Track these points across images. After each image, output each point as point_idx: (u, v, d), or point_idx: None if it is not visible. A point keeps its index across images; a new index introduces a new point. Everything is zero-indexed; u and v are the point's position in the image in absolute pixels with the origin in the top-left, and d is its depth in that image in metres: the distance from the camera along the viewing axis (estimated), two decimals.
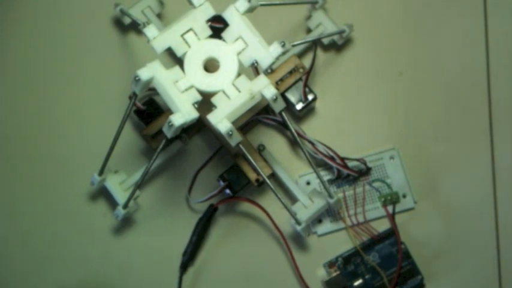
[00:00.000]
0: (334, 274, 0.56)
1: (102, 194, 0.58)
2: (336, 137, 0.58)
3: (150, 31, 0.47)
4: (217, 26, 0.49)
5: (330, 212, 0.57)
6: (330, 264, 0.56)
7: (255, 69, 0.50)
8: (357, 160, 0.56)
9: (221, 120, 0.46)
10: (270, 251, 0.57)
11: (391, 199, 0.57)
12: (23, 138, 0.60)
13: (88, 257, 0.58)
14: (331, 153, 0.56)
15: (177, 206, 0.58)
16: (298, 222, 0.53)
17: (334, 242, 0.57)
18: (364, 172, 0.57)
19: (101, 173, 0.55)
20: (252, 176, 0.55)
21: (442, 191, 0.58)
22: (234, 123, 0.48)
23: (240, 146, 0.48)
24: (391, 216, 0.56)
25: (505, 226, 0.57)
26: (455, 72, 0.61)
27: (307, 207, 0.55)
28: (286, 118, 0.48)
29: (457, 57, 0.61)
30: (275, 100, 0.46)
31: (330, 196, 0.53)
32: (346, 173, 0.56)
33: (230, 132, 0.46)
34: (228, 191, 0.56)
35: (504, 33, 0.62)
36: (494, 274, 0.57)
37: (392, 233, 0.56)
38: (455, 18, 0.62)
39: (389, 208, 0.56)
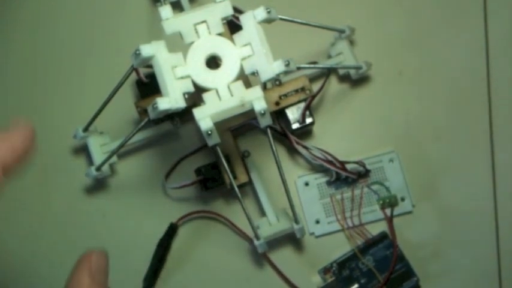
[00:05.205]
0: (330, 280, 0.56)
1: (84, 151, 0.58)
2: (335, 140, 0.58)
3: (165, 11, 0.47)
4: (238, 23, 0.49)
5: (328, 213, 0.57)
6: (325, 271, 0.56)
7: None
8: (356, 162, 0.56)
9: (204, 117, 0.45)
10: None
11: (390, 202, 0.56)
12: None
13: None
14: (330, 158, 0.56)
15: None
16: (257, 237, 0.53)
17: (330, 245, 0.57)
18: (362, 174, 0.57)
19: (85, 129, 0.55)
20: (228, 178, 0.55)
21: (442, 194, 0.58)
22: (225, 123, 0.48)
23: (217, 148, 0.48)
24: (389, 219, 0.56)
25: (505, 228, 0.57)
26: (455, 73, 0.60)
27: (271, 224, 0.55)
28: (270, 135, 0.48)
29: (457, 58, 0.60)
30: (263, 114, 0.46)
31: (296, 222, 0.53)
32: (345, 175, 0.56)
33: (209, 132, 0.46)
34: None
35: (504, 34, 0.60)
36: (494, 276, 0.56)
37: (385, 236, 0.56)
38: (455, 18, 0.61)
39: (387, 211, 0.56)
